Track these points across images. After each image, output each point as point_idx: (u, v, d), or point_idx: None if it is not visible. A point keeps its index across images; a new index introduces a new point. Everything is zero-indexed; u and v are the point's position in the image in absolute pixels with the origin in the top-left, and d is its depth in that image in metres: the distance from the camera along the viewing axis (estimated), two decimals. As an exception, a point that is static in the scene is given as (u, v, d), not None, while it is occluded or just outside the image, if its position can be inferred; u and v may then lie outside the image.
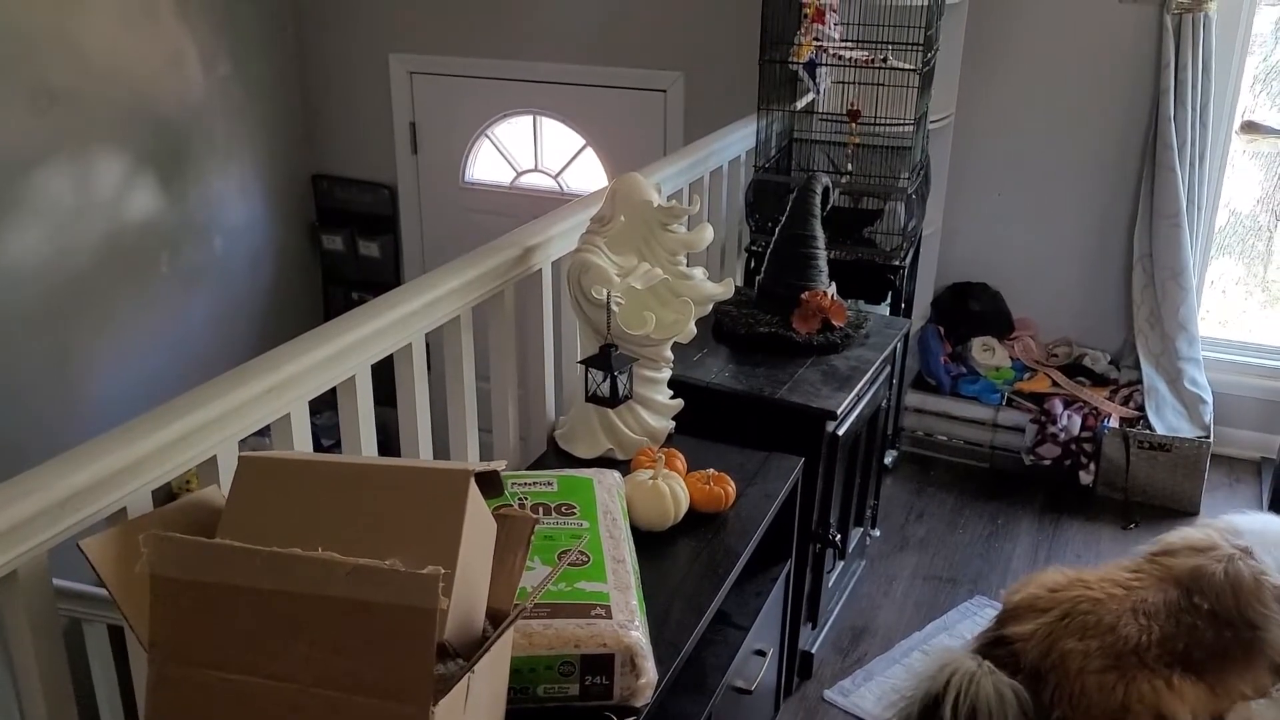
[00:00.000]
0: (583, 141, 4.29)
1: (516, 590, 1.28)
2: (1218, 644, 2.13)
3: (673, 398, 2.19)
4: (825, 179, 2.63)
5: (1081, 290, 3.72)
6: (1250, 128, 3.53)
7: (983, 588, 2.96)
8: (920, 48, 2.84)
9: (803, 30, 2.92)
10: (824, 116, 3.16)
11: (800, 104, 3.17)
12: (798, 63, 2.95)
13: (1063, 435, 3.37)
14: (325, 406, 1.71)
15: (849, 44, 2.96)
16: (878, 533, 3.12)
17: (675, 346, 2.17)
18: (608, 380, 1.99)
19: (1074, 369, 3.64)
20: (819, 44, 2.92)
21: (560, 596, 1.43)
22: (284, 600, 1.01)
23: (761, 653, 2.07)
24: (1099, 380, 3.59)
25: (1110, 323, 3.70)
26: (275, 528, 1.12)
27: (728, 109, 3.31)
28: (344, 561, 0.99)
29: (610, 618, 1.41)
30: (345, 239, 4.66)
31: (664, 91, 4.01)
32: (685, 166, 2.77)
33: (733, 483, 1.92)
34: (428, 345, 1.92)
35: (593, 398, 2.03)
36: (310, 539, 1.05)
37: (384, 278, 4.61)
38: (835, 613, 2.75)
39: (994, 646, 2.23)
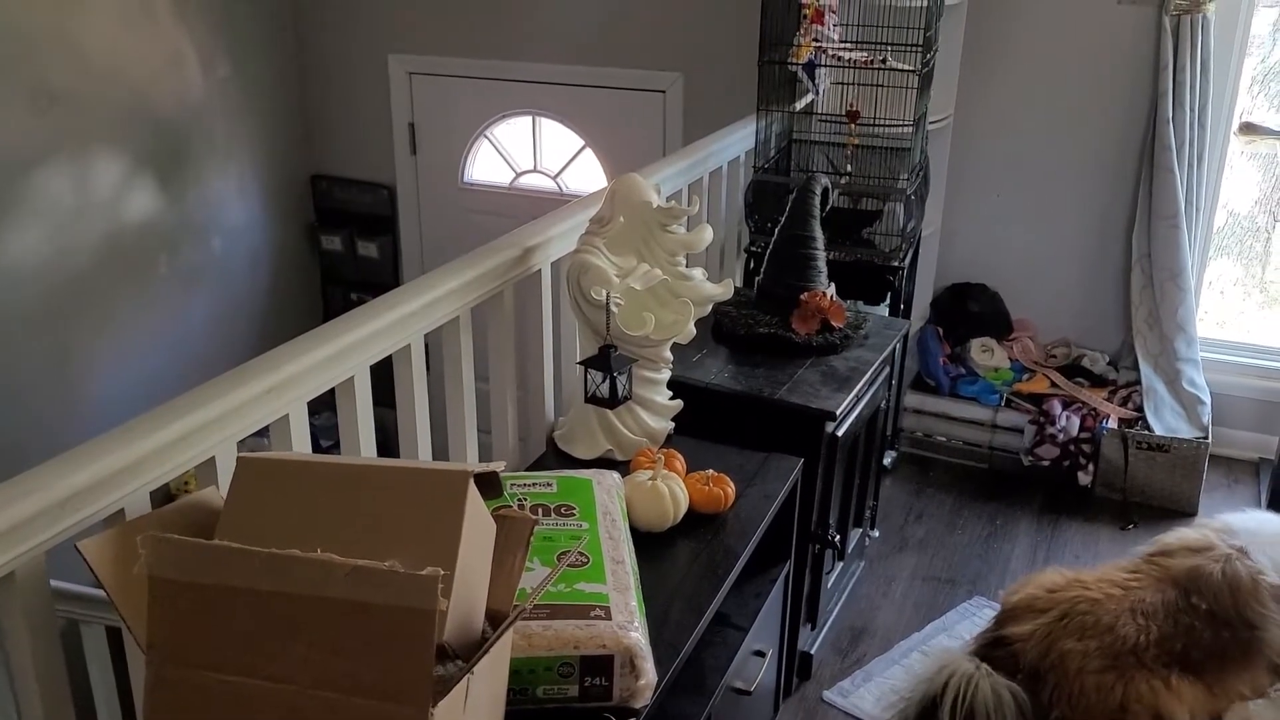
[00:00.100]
0: (582, 142, 4.29)
1: (516, 591, 1.28)
2: (1215, 644, 2.13)
3: (672, 398, 2.19)
4: (824, 180, 2.63)
5: (1080, 291, 3.72)
6: (1248, 129, 3.53)
7: (981, 588, 2.96)
8: (919, 49, 2.85)
9: (802, 31, 2.92)
10: (823, 117, 3.17)
11: (799, 105, 3.17)
12: (797, 64, 2.95)
13: (1061, 436, 3.37)
14: (324, 407, 1.71)
15: (848, 45, 2.96)
16: (877, 533, 3.12)
17: (674, 347, 2.17)
18: (607, 381, 1.99)
19: (1072, 370, 3.64)
20: (818, 45, 2.92)
21: (559, 598, 1.43)
22: (282, 601, 1.01)
23: (761, 653, 2.07)
24: (1097, 381, 3.59)
25: (1109, 324, 3.71)
26: (274, 529, 1.12)
27: (727, 110, 3.31)
28: (343, 563, 0.99)
29: (609, 619, 1.41)
30: (344, 239, 4.66)
31: (663, 92, 4.01)
32: (684, 167, 2.77)
33: (732, 484, 1.92)
34: (427, 346, 1.92)
35: (592, 398, 2.03)
36: (309, 540, 1.05)
37: (383, 278, 4.61)
38: (834, 613, 2.75)
39: (993, 647, 2.23)
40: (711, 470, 1.93)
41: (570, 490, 1.72)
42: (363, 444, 1.77)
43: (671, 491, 1.81)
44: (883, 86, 2.91)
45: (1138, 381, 3.50)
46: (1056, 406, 3.42)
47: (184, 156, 4.09)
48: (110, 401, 3.85)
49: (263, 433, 1.59)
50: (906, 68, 2.87)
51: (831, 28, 2.94)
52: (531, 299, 2.17)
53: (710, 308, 2.25)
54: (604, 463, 2.05)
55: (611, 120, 4.16)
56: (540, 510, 1.65)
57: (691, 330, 2.11)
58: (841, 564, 2.75)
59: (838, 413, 2.27)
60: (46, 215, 3.61)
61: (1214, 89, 3.35)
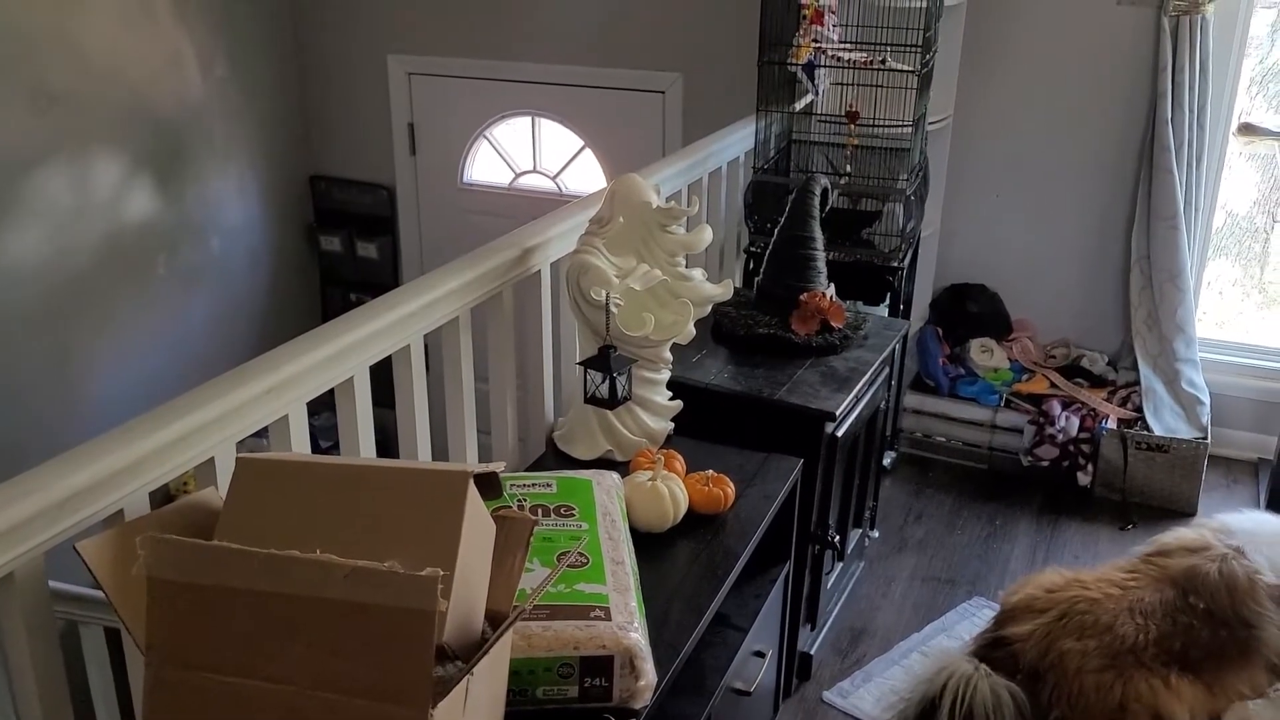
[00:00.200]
0: (581, 143, 4.29)
1: (515, 592, 1.28)
2: (1214, 643, 2.13)
3: (671, 399, 2.19)
4: (824, 180, 2.63)
5: (1079, 292, 3.72)
6: (1247, 129, 3.53)
7: (981, 589, 2.96)
8: (919, 49, 2.85)
9: (801, 32, 2.92)
10: (823, 118, 3.17)
11: (799, 105, 3.17)
12: (796, 64, 2.95)
13: (1061, 436, 3.37)
14: (323, 408, 1.71)
15: (848, 45, 2.96)
16: (876, 534, 3.12)
17: (674, 348, 2.17)
18: (606, 381, 1.99)
19: (1072, 370, 3.64)
20: (818, 45, 2.92)
21: (559, 598, 1.43)
22: (282, 602, 1.00)
23: (760, 654, 2.07)
24: (1097, 381, 3.59)
25: (1108, 324, 3.71)
26: (273, 529, 1.12)
27: (726, 110, 3.31)
28: (342, 563, 0.99)
29: (609, 619, 1.41)
30: (343, 240, 4.66)
31: (663, 93, 4.01)
32: (684, 168, 2.77)
33: (732, 484, 1.92)
34: (426, 346, 1.92)
35: (591, 399, 2.03)
36: (308, 541, 1.04)
37: (382, 279, 4.61)
38: (834, 614, 2.75)
39: (992, 647, 2.23)
40: (711, 471, 1.93)
41: (570, 491, 1.72)
42: (362, 444, 1.77)
43: (671, 492, 1.81)
44: (882, 87, 2.92)
45: (1137, 382, 3.51)
46: (1056, 407, 3.42)
47: (183, 157, 4.09)
48: (109, 402, 3.85)
49: (262, 433, 1.59)
50: (906, 68, 2.88)
51: (831, 28, 2.94)
52: (531, 299, 2.17)
53: (710, 308, 2.25)
54: (604, 463, 2.05)
55: (611, 121, 4.16)
56: (540, 511, 1.64)
57: (691, 331, 2.11)
58: (841, 564, 2.75)
59: (837, 413, 2.27)
60: (46, 215, 3.61)
61: (1213, 90, 3.35)
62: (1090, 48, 3.46)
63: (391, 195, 4.59)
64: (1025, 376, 3.62)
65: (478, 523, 1.18)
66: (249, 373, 1.53)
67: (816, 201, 2.58)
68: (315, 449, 1.77)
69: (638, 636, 1.41)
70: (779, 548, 2.15)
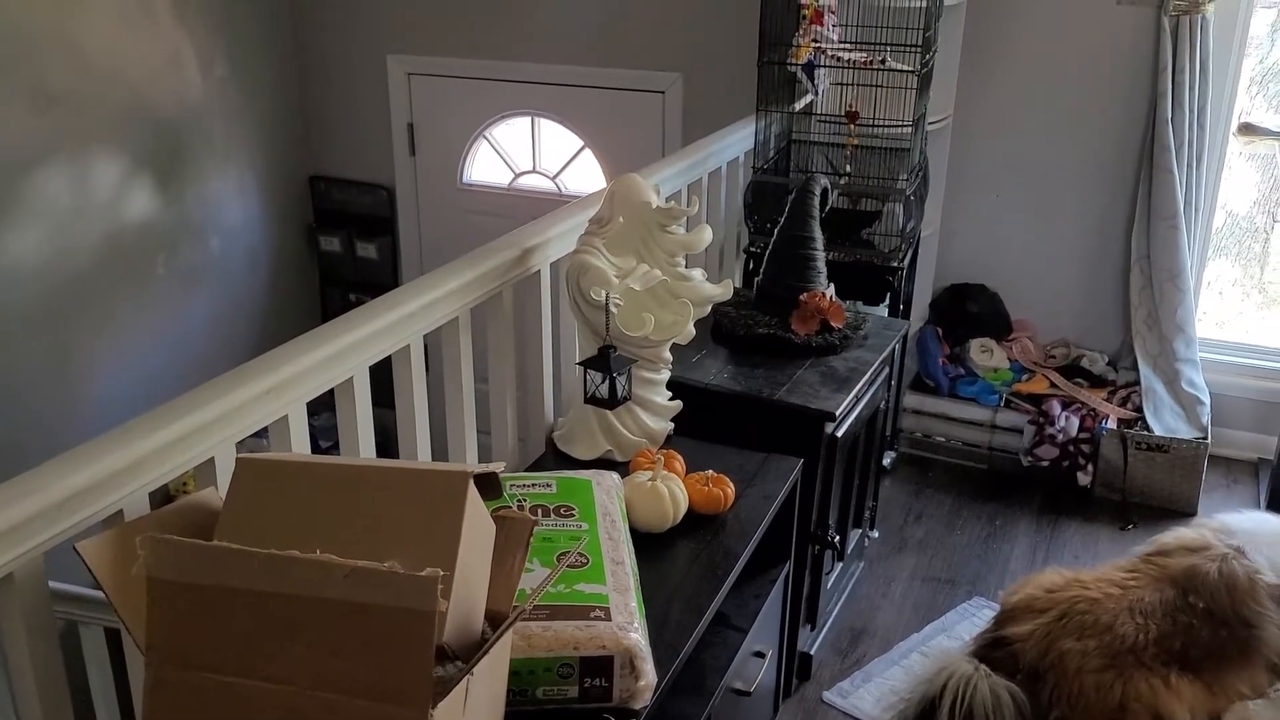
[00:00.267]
0: (581, 143, 4.29)
1: (515, 592, 1.28)
2: (1214, 643, 2.13)
3: (671, 399, 2.19)
4: (824, 180, 2.63)
5: (1079, 292, 3.72)
6: (1247, 129, 3.53)
7: (981, 589, 2.96)
8: (919, 49, 2.85)
9: (801, 32, 2.92)
10: (822, 118, 3.17)
11: (799, 105, 3.17)
12: (796, 64, 2.95)
13: (1061, 436, 3.37)
14: (323, 408, 1.71)
15: (847, 45, 2.96)
16: (876, 534, 3.12)
17: (674, 348, 2.17)
18: (606, 381, 1.99)
19: (1072, 370, 3.64)
20: (817, 45, 2.92)
21: (559, 598, 1.43)
22: (282, 602, 1.00)
23: (760, 654, 2.07)
24: (1097, 381, 3.59)
25: (1108, 324, 3.71)
26: (273, 530, 1.12)
27: (726, 110, 3.31)
28: (342, 563, 0.99)
29: (609, 620, 1.41)
30: (343, 240, 4.66)
31: (662, 93, 4.01)
32: (684, 168, 2.77)
33: (731, 484, 1.91)
34: (426, 347, 1.92)
35: (591, 399, 2.03)
36: (308, 541, 1.04)
37: (382, 279, 4.61)
38: (834, 614, 2.75)
39: (992, 648, 2.23)
40: (711, 471, 1.93)
41: (570, 491, 1.72)
42: (362, 445, 1.77)
43: (671, 492, 1.81)
44: (882, 87, 2.91)
45: (1137, 382, 3.51)
46: (1056, 407, 3.42)
47: (183, 157, 4.09)
48: (109, 402, 3.85)
49: (262, 433, 1.59)
50: (906, 68, 2.87)
51: (831, 28, 2.94)
52: (531, 300, 2.17)
53: (709, 308, 2.25)
54: (603, 463, 2.05)
55: (611, 121, 4.16)
56: (540, 511, 1.64)
57: (691, 331, 2.11)
58: (841, 564, 2.75)
59: (837, 413, 2.27)
60: (46, 215, 3.61)
61: (1213, 89, 3.35)
62: (1090, 48, 3.46)
63: (391, 195, 4.59)
64: (1025, 376, 3.62)
65: (478, 523, 1.18)
66: (249, 373, 1.53)
67: (816, 201, 2.58)
68: (315, 449, 1.77)
69: (638, 637, 1.41)
70: (779, 548, 2.15)
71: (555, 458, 2.12)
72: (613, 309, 1.97)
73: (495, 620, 1.22)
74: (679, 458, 1.96)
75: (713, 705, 1.78)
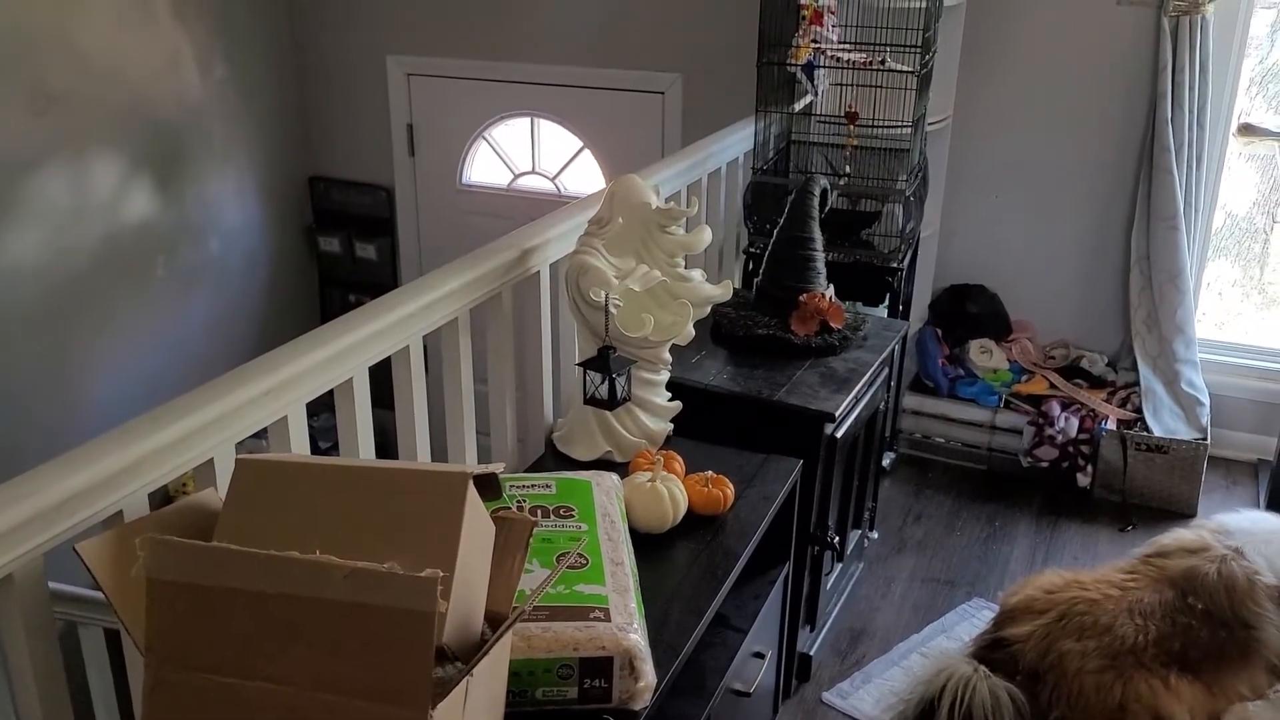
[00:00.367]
0: (580, 143, 4.29)
1: (515, 593, 1.28)
2: (1213, 644, 2.13)
3: (671, 400, 2.19)
4: (823, 181, 2.63)
5: (1079, 292, 3.72)
6: (1247, 130, 3.54)
7: (980, 590, 2.96)
8: (918, 50, 2.85)
9: (801, 32, 2.92)
10: (822, 118, 3.17)
11: (798, 106, 3.17)
12: (796, 65, 2.95)
13: (1060, 437, 3.37)
14: (323, 409, 1.70)
15: (847, 46, 2.96)
16: (876, 535, 3.12)
17: (673, 348, 2.17)
18: (606, 382, 1.99)
19: (1071, 371, 3.64)
20: (817, 46, 2.92)
21: (559, 599, 1.43)
22: (281, 603, 1.00)
23: (760, 655, 2.07)
24: (1096, 382, 3.59)
25: (1108, 325, 3.71)
26: (272, 530, 1.12)
27: (726, 111, 3.31)
28: (342, 564, 0.99)
29: (609, 620, 1.40)
30: (342, 241, 4.66)
31: (662, 93, 4.01)
32: (683, 168, 2.77)
33: (731, 485, 1.91)
34: (425, 347, 1.92)
35: (591, 400, 2.03)
36: (308, 542, 1.04)
37: (381, 280, 4.61)
38: (834, 615, 2.75)
39: (992, 649, 2.23)
40: (710, 472, 1.93)
41: (569, 492, 1.72)
42: (361, 446, 1.77)
43: (670, 493, 1.81)
44: (881, 88, 2.91)
45: (1136, 383, 3.51)
46: (1055, 408, 3.42)
47: (182, 158, 4.09)
48: (108, 403, 3.84)
49: (261, 434, 1.59)
50: (905, 69, 2.87)
51: (830, 29, 2.94)
52: (530, 300, 2.17)
53: (709, 309, 2.25)
54: (603, 464, 2.05)
55: (610, 121, 4.16)
56: (539, 512, 1.64)
57: (690, 332, 2.11)
58: (840, 565, 2.75)
59: (836, 414, 2.27)
60: (45, 216, 3.61)
61: (1213, 90, 3.35)
62: (1090, 48, 3.46)
63: (390, 196, 4.59)
64: (1025, 377, 3.62)
65: (477, 524, 1.18)
66: (248, 374, 1.53)
67: (816, 202, 2.58)
68: (314, 450, 1.77)
69: (637, 638, 1.40)
70: (778, 549, 2.15)
71: (554, 459, 2.12)
72: (612, 310, 1.97)
73: (495, 621, 1.22)
74: (678, 458, 1.96)
75: (712, 706, 1.78)
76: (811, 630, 2.59)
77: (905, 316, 3.27)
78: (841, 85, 3.03)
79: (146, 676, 1.05)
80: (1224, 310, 3.82)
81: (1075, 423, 3.38)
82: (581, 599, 1.44)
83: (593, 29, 4.03)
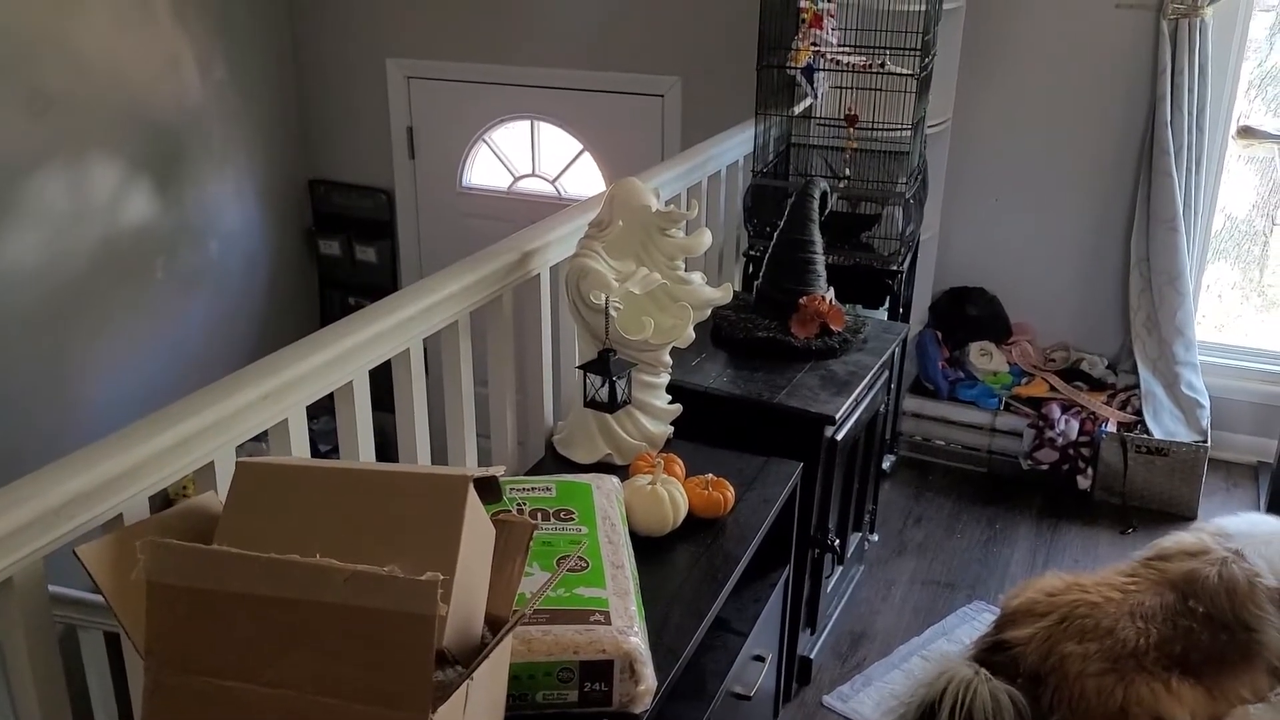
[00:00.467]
0: (580, 146, 4.29)
1: (515, 596, 1.27)
2: (1214, 647, 2.13)
3: (671, 403, 2.19)
4: (823, 184, 2.63)
5: (1079, 295, 3.72)
6: (1246, 132, 3.54)
7: (981, 593, 2.96)
8: (918, 53, 2.85)
9: (800, 35, 2.93)
10: (822, 121, 3.17)
11: (798, 109, 3.17)
12: (795, 68, 2.95)
13: (1060, 440, 3.37)
14: (323, 412, 1.70)
15: (847, 49, 2.96)
16: (876, 538, 3.12)
17: (674, 351, 2.17)
18: (606, 385, 1.98)
19: (1071, 373, 3.64)
20: (817, 49, 2.92)
21: (559, 602, 1.43)
22: (281, 607, 1.00)
23: (760, 658, 2.07)
24: (1096, 385, 3.59)
25: (1107, 327, 3.71)
26: (273, 534, 1.12)
27: (725, 114, 3.31)
28: (342, 568, 0.98)
29: (609, 624, 1.40)
30: (342, 244, 4.66)
31: (662, 96, 4.01)
32: (683, 171, 2.77)
33: (731, 488, 1.91)
34: (425, 350, 1.92)
35: (591, 403, 2.02)
36: (308, 545, 1.04)
37: (381, 283, 4.61)
38: (834, 618, 2.75)
39: (993, 651, 2.23)
40: (711, 474, 1.93)
41: (569, 495, 1.72)
42: (361, 449, 1.77)
43: (671, 496, 1.81)
44: (881, 90, 2.91)
45: (1136, 385, 3.50)
46: (1055, 410, 3.42)
47: (181, 160, 4.09)
48: (108, 406, 3.84)
49: (261, 437, 1.59)
50: (905, 72, 2.88)
51: (830, 32, 2.94)
52: (530, 303, 2.17)
53: (709, 312, 2.25)
54: (603, 467, 2.05)
55: (610, 124, 4.16)
56: (539, 515, 1.64)
57: (690, 334, 2.11)
58: (841, 568, 2.75)
59: (837, 417, 2.26)
60: (44, 218, 3.60)
61: (1212, 93, 3.35)
62: (1089, 51, 3.47)
63: (390, 199, 4.59)
64: (1025, 380, 3.62)
65: (477, 527, 1.18)
66: (248, 377, 1.53)
67: (816, 205, 2.58)
68: (314, 453, 1.76)
69: (638, 641, 1.40)
70: (779, 552, 2.15)
71: (555, 461, 2.12)
72: (612, 312, 1.97)
73: (495, 624, 1.21)
74: (679, 461, 1.96)
75: (713, 709, 1.78)
76: (812, 633, 2.59)
77: (905, 319, 3.27)
78: (841, 88, 3.03)
79: (146, 680, 1.04)
80: (1224, 313, 3.82)
81: (1075, 425, 3.38)
82: (582, 602, 1.44)
83: (592, 32, 4.03)
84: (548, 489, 1.73)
